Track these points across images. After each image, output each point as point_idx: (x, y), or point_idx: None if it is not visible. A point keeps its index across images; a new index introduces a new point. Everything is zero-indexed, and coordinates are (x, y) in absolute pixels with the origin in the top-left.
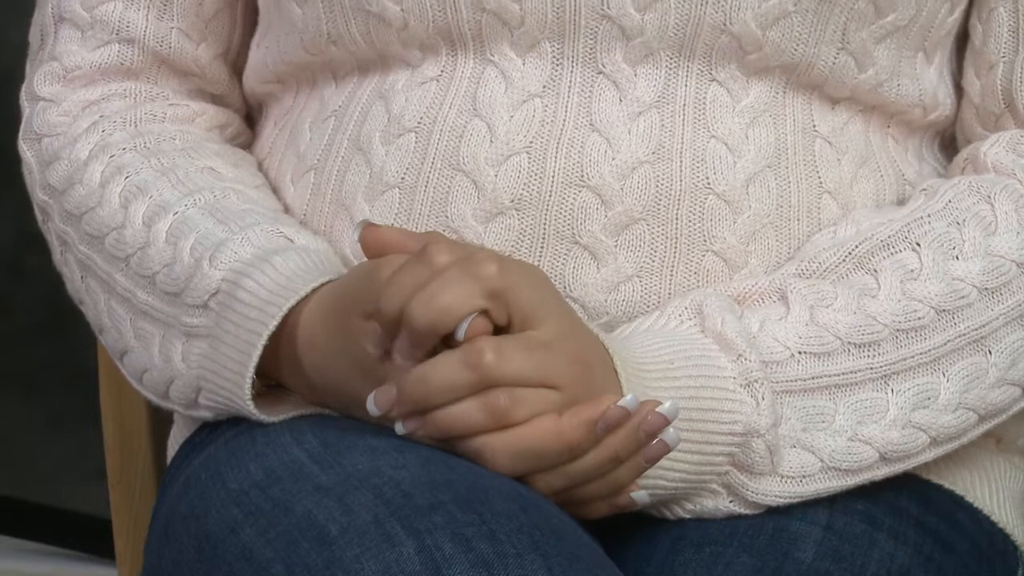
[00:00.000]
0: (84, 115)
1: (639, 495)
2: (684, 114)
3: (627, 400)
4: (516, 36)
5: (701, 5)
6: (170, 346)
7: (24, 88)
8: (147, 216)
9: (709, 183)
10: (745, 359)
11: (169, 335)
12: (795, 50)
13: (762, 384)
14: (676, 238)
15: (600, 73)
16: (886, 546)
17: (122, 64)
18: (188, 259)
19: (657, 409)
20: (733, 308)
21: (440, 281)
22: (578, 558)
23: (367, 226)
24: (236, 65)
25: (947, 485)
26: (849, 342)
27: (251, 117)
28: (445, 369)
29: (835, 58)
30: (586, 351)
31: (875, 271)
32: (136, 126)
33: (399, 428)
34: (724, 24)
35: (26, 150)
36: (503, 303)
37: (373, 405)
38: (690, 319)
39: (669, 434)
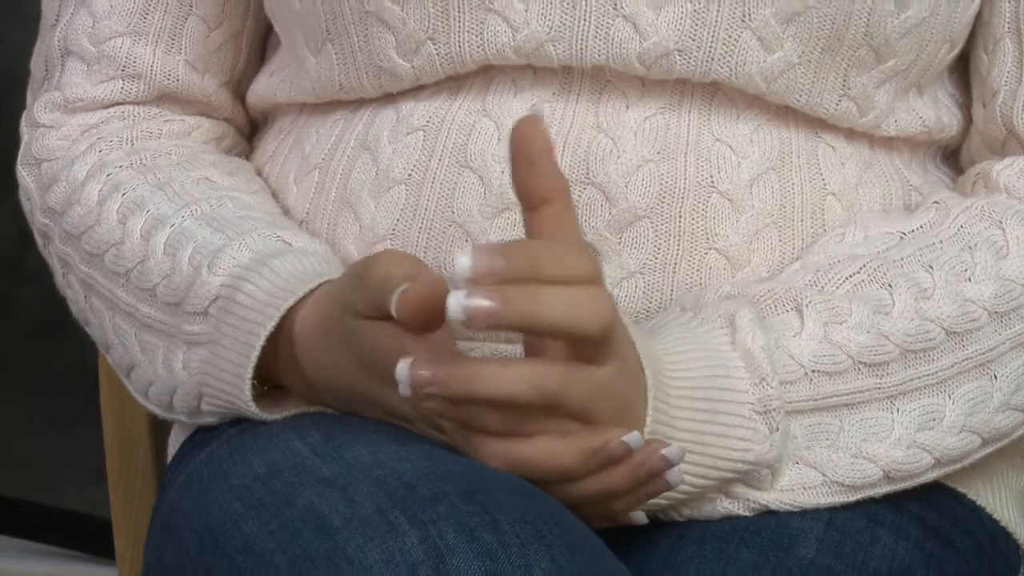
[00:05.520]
0: (83, 138)
1: (637, 515)
2: (689, 119)
3: (631, 437)
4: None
5: (706, 62)
6: (172, 356)
7: (24, 116)
8: (145, 230)
9: (713, 182)
10: (767, 384)
11: (172, 345)
12: (798, 99)
13: (779, 412)
14: (679, 235)
15: (608, 82)
16: (888, 542)
17: (125, 98)
18: (187, 268)
19: (662, 451)
20: (763, 324)
21: (570, 296)
22: (581, 548)
23: (533, 118)
24: (239, 90)
25: (949, 483)
26: (860, 362)
27: (250, 127)
28: (510, 384)
29: (837, 104)
30: (629, 389)
31: (890, 286)
32: (132, 144)
33: (404, 389)
34: (729, 79)
35: (25, 175)
36: (594, 346)
37: (406, 380)
38: (722, 328)
39: (672, 473)
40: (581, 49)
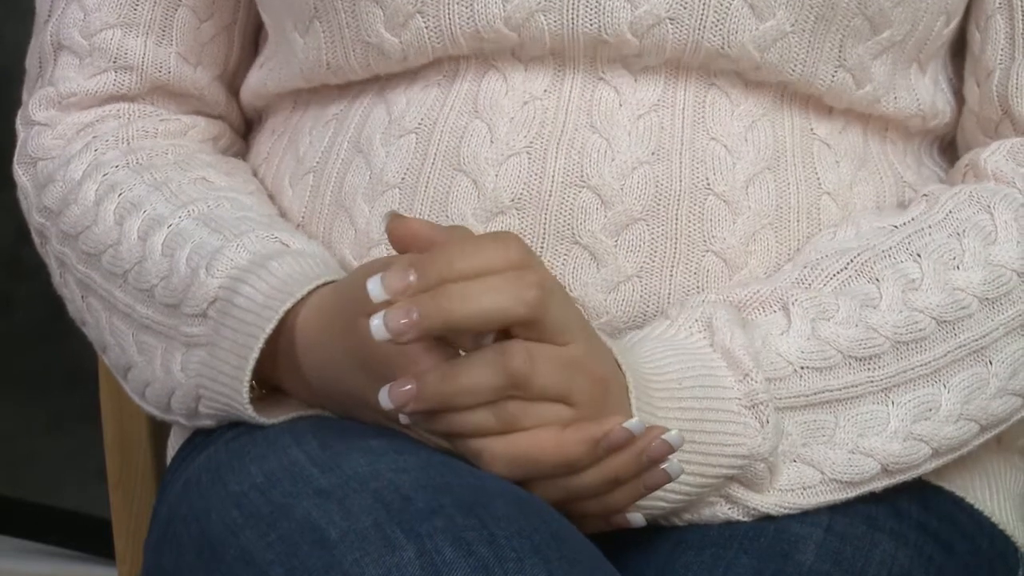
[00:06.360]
0: (78, 137)
1: (634, 516)
2: (683, 116)
3: (633, 423)
4: (517, 53)
5: (698, 30)
6: (170, 357)
7: (20, 113)
8: (142, 231)
9: (708, 183)
10: (751, 379)
11: (170, 347)
12: (793, 70)
13: (767, 406)
14: (676, 238)
15: (601, 79)
16: (887, 547)
17: (118, 92)
18: (185, 270)
19: (663, 436)
20: (742, 323)
21: (487, 284)
22: (578, 561)
23: (395, 217)
24: (233, 85)
25: (947, 487)
26: (850, 356)
27: (245, 125)
28: (476, 370)
29: (833, 75)
30: (605, 370)
31: (877, 280)
32: (128, 143)
33: (404, 419)
34: (722, 48)
35: (21, 174)
36: (534, 328)
37: (387, 399)
38: (700, 332)
39: (672, 464)
40: (572, 18)
